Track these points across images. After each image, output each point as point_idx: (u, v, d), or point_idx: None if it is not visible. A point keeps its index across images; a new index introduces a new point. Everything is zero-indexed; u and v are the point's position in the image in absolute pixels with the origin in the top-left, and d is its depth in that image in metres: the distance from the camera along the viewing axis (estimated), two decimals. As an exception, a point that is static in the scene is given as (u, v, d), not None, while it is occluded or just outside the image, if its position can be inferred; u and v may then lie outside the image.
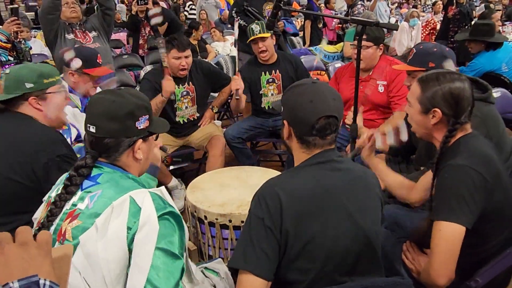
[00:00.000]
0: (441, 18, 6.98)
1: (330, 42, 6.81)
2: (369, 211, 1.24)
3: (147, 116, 1.19)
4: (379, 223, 1.28)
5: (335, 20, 7.07)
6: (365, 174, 1.30)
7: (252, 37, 2.98)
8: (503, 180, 1.38)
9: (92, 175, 1.14)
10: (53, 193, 1.18)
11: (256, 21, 3.04)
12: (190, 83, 2.96)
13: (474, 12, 6.90)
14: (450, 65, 1.81)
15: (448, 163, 1.34)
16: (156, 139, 1.31)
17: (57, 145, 1.64)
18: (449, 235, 1.28)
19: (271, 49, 3.04)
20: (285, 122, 1.28)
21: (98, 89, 2.49)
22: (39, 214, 1.21)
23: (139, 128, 1.17)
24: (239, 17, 3.80)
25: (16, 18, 2.75)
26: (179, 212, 1.10)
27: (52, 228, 1.11)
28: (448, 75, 1.41)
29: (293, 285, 1.19)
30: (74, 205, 1.10)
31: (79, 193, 1.12)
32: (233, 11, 3.84)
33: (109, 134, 1.14)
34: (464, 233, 1.27)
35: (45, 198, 1.22)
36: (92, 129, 1.14)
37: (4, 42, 2.70)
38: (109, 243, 1.00)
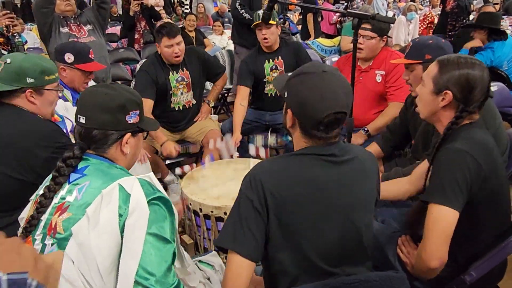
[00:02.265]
0: (439, 12, 6.95)
1: (330, 36, 6.76)
2: (363, 203, 1.23)
3: (137, 112, 1.20)
4: (371, 214, 1.28)
5: (336, 14, 7.02)
6: (365, 163, 1.26)
7: (257, 22, 2.94)
8: (499, 171, 1.37)
9: (78, 168, 1.14)
10: (40, 191, 1.18)
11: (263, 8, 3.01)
12: (184, 68, 2.94)
13: (472, 5, 6.87)
14: None
15: (445, 147, 1.34)
16: (145, 138, 1.32)
17: (55, 137, 1.63)
18: (441, 218, 1.28)
19: (274, 36, 3.02)
20: (289, 111, 1.22)
21: (92, 83, 2.48)
22: (26, 213, 1.20)
23: (129, 122, 1.18)
24: (243, 10, 3.77)
25: (8, 11, 2.71)
26: (168, 197, 1.11)
27: (42, 223, 1.11)
28: (470, 60, 1.38)
29: (282, 276, 1.19)
30: (62, 198, 1.10)
31: (67, 186, 1.12)
32: (237, 3, 3.79)
33: (99, 125, 1.14)
34: (457, 217, 1.27)
35: (32, 197, 1.22)
36: (83, 120, 1.14)
37: (-4, 36, 2.68)
38: (102, 231, 1.00)
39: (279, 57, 3.10)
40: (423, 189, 1.50)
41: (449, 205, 1.27)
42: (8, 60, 1.65)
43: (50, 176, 1.16)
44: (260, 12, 2.94)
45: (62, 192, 1.11)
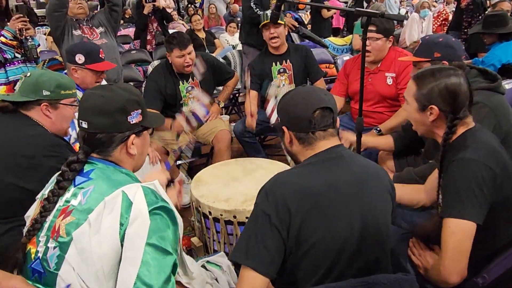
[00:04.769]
0: (453, 9, 6.83)
1: (337, 29, 6.72)
2: (380, 207, 1.22)
3: (139, 111, 1.19)
4: (389, 219, 1.26)
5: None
6: (375, 169, 1.27)
7: (265, 21, 2.93)
8: (510, 172, 1.35)
9: (84, 171, 1.14)
10: (46, 191, 1.18)
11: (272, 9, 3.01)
12: (195, 78, 2.95)
13: (488, 2, 6.73)
14: None
15: (457, 157, 1.31)
16: (151, 134, 1.30)
17: (64, 149, 1.65)
18: (459, 232, 1.25)
19: (282, 37, 3.01)
20: (283, 128, 1.28)
21: (104, 82, 2.50)
22: (32, 212, 1.21)
23: (131, 123, 1.17)
24: (258, 9, 3.77)
25: (21, 15, 2.75)
26: (172, 207, 1.09)
27: (46, 225, 1.11)
28: (444, 70, 1.38)
29: (302, 282, 1.17)
30: (67, 201, 1.10)
31: (72, 189, 1.11)
32: (252, 2, 3.79)
33: (101, 129, 1.13)
34: (475, 230, 1.25)
35: (39, 196, 1.22)
36: (84, 124, 1.14)
37: (10, 40, 2.71)
38: (102, 239, 1.00)
39: (288, 60, 3.09)
40: (436, 202, 1.46)
41: (467, 218, 1.25)
42: (28, 74, 1.71)
43: (55, 179, 1.16)
44: (268, 11, 2.94)
45: (67, 195, 1.11)
